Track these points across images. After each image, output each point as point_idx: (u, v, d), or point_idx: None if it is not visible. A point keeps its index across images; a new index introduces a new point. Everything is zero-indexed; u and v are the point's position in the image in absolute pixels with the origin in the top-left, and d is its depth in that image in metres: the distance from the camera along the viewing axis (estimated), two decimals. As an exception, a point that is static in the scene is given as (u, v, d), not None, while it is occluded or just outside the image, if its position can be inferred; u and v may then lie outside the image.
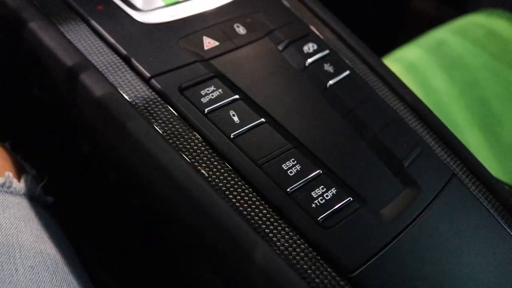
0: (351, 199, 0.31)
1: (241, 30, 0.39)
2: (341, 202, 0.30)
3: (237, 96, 0.33)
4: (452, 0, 0.97)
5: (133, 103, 0.33)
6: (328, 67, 0.38)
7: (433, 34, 0.76)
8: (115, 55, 0.35)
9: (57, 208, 0.39)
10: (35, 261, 0.31)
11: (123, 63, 0.35)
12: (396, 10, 1.05)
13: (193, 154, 0.31)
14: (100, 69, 0.34)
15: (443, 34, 0.76)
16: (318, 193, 0.30)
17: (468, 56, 0.72)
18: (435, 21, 0.99)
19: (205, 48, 0.36)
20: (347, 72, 0.38)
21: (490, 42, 0.74)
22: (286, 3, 0.43)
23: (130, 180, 0.34)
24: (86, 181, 0.40)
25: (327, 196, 0.30)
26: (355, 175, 0.32)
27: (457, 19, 0.80)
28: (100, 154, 0.35)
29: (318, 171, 0.31)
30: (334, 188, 0.31)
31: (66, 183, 0.42)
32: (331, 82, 0.37)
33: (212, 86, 0.34)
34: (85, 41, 0.36)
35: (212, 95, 0.33)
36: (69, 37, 0.36)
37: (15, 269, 0.29)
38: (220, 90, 0.34)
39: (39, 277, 0.30)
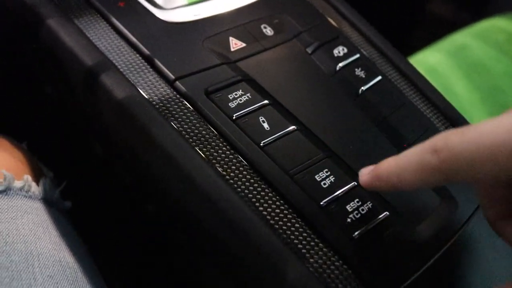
0: (387, 213, 0.29)
1: (268, 31, 0.37)
2: (377, 217, 0.29)
3: (266, 102, 0.32)
4: (470, 5, 0.95)
5: (156, 106, 0.31)
6: (359, 72, 0.36)
7: (454, 38, 0.75)
8: (137, 55, 0.33)
9: (75, 213, 0.37)
10: (54, 270, 0.29)
11: (145, 63, 0.33)
12: (413, 14, 1.03)
13: (221, 162, 0.29)
14: (121, 69, 0.33)
15: (464, 38, 0.74)
16: (353, 207, 0.29)
17: (489, 61, 0.70)
18: (452, 25, 0.97)
19: (232, 49, 0.35)
20: (379, 78, 0.36)
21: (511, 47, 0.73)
22: (314, 4, 0.41)
23: (151, 187, 0.32)
24: (104, 185, 0.38)
25: (362, 210, 0.29)
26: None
27: (478, 23, 0.78)
28: (119, 158, 0.33)
29: (353, 183, 0.29)
30: (369, 202, 0.29)
31: (84, 187, 0.40)
32: (363, 88, 0.35)
33: (240, 90, 0.32)
34: (105, 40, 0.34)
35: (241, 100, 0.31)
36: (88, 35, 0.34)
37: (33, 278, 0.28)
38: (248, 95, 0.32)
39: (58, 287, 0.28)
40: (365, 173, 0.27)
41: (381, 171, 0.26)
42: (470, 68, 0.69)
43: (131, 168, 0.33)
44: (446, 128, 0.36)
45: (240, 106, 0.31)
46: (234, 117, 0.31)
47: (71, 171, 0.40)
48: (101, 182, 0.38)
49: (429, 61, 0.70)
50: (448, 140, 0.23)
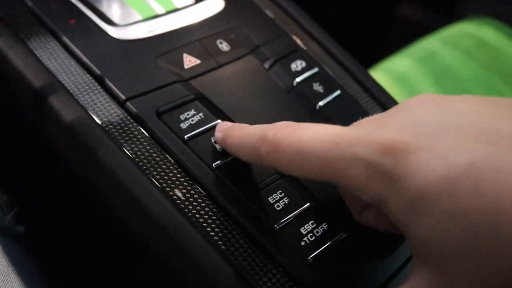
0: (344, 235, 0.28)
1: (224, 46, 0.36)
2: (332, 239, 0.28)
3: (219, 121, 0.31)
4: (438, 7, 0.95)
5: (106, 128, 0.30)
6: (317, 87, 0.35)
7: (423, 44, 0.75)
8: (88, 75, 0.32)
9: (28, 239, 0.36)
10: None
11: (96, 83, 0.32)
12: (383, 17, 1.04)
13: (172, 186, 0.28)
14: (71, 91, 0.32)
15: (433, 44, 0.74)
16: (308, 229, 0.28)
17: (458, 66, 0.71)
18: (422, 28, 0.97)
19: (186, 67, 0.34)
20: (338, 92, 0.36)
21: (481, 52, 0.73)
22: (272, 16, 0.40)
23: (100, 211, 0.31)
24: (58, 209, 0.37)
25: (317, 232, 0.28)
26: (347, 207, 0.30)
27: (446, 28, 0.78)
28: (71, 183, 0.32)
29: (308, 204, 0.29)
30: (325, 223, 0.28)
31: (37, 211, 0.39)
32: (320, 103, 0.34)
33: (193, 110, 0.31)
34: (55, 59, 0.33)
35: (193, 120, 0.31)
36: (38, 55, 0.33)
37: None
38: (201, 114, 0.31)
39: None
40: (221, 129, 0.29)
41: (228, 138, 0.28)
42: (439, 74, 0.69)
43: (80, 192, 0.31)
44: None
45: (192, 127, 0.30)
46: (185, 139, 0.30)
47: (26, 194, 0.39)
48: (58, 206, 0.37)
49: (398, 68, 0.69)
50: (277, 133, 0.24)
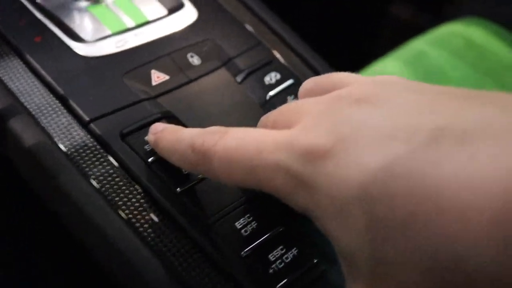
0: (316, 260, 0.27)
1: (195, 60, 0.35)
2: (303, 265, 0.27)
3: (186, 141, 0.30)
4: (429, 6, 0.94)
5: (69, 152, 0.29)
6: (291, 100, 0.34)
7: (412, 45, 0.73)
8: (51, 96, 0.31)
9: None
10: None
11: (59, 104, 0.31)
12: (375, 16, 1.02)
13: (134, 212, 0.27)
14: (33, 112, 0.30)
15: (422, 45, 0.73)
16: (277, 256, 0.27)
17: (448, 68, 0.69)
18: (413, 27, 0.96)
19: (153, 83, 0.33)
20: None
21: (469, 52, 0.72)
22: (248, 26, 0.39)
23: (64, 236, 0.30)
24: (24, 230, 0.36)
25: (287, 258, 0.27)
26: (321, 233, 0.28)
27: (436, 29, 0.77)
28: (33, 209, 0.31)
29: (277, 228, 0.27)
30: (295, 249, 0.27)
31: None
32: (294, 118, 0.33)
33: None
34: (18, 80, 0.32)
35: (158, 141, 0.29)
36: (0, 75, 0.32)
37: None
38: None
39: None
40: (153, 132, 0.27)
41: (160, 142, 0.26)
42: (428, 76, 0.68)
43: (41, 217, 0.30)
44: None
45: None
46: (150, 161, 0.28)
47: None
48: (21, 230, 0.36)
49: (388, 70, 0.68)
50: (205, 141, 0.23)
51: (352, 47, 0.98)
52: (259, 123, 0.26)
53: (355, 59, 0.85)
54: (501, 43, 0.74)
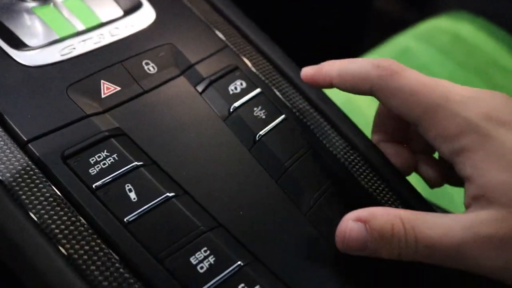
0: None
1: (150, 68, 0.31)
2: None
3: (136, 163, 0.26)
4: (416, 1, 0.91)
5: (3, 178, 0.25)
6: (258, 112, 0.31)
7: (397, 41, 0.70)
8: None
9: None
10: None
11: None
12: (360, 11, 0.99)
13: (76, 247, 0.24)
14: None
15: (407, 40, 0.70)
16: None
17: (433, 64, 0.66)
18: (399, 21, 0.93)
19: (103, 96, 0.29)
20: (282, 117, 0.31)
21: (456, 48, 0.69)
22: (213, 27, 0.36)
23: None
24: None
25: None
26: (290, 264, 0.25)
27: (421, 23, 0.74)
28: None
29: (238, 263, 0.24)
30: (258, 286, 0.24)
31: None
32: (261, 132, 0.30)
33: (105, 151, 0.26)
34: None
35: (104, 164, 0.26)
36: None
37: None
38: (115, 156, 0.26)
39: None
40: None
41: (324, 67, 0.31)
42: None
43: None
44: (363, 172, 0.31)
45: (103, 172, 0.25)
46: (93, 187, 0.25)
47: None
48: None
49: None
50: (392, 64, 0.28)
51: (336, 43, 0.95)
52: None
53: (339, 55, 0.81)
54: (489, 39, 0.71)
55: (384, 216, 0.24)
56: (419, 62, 0.66)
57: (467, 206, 0.25)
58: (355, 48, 0.96)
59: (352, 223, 0.25)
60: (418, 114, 0.27)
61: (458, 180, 0.28)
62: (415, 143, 0.33)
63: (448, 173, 0.32)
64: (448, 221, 0.24)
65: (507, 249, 0.23)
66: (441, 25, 0.72)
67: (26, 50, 0.30)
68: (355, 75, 0.29)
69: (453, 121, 0.25)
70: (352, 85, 0.29)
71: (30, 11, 0.34)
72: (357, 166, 0.31)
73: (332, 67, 0.30)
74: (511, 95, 0.68)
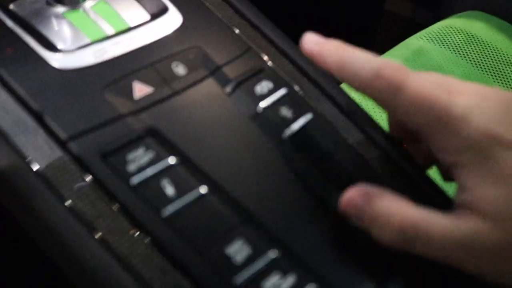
0: (315, 285, 0.25)
1: (180, 70, 0.32)
2: None
3: (171, 160, 0.27)
4: (429, 2, 0.92)
5: (46, 174, 0.26)
6: (285, 112, 0.32)
7: (411, 42, 0.71)
8: (25, 112, 0.29)
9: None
10: None
11: (34, 122, 0.29)
12: (372, 13, 1.00)
13: (119, 241, 0.25)
14: (6, 131, 0.28)
15: (421, 42, 0.70)
16: (273, 283, 0.24)
17: (448, 65, 0.67)
18: (411, 23, 0.94)
19: (136, 97, 0.30)
20: (309, 116, 0.32)
21: (470, 48, 0.69)
22: (238, 31, 0.37)
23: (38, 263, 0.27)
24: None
25: (285, 286, 0.24)
26: (320, 254, 0.26)
27: (434, 24, 0.75)
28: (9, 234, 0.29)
29: (273, 253, 0.25)
30: (293, 274, 0.25)
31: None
32: (288, 131, 0.31)
33: (142, 148, 0.28)
34: (-12, 95, 0.29)
35: (142, 161, 0.27)
36: (-30, 91, 0.29)
37: None
38: (151, 153, 0.27)
39: None
40: (313, 41, 0.30)
41: (330, 57, 0.29)
42: (428, 74, 0.65)
43: (17, 241, 0.28)
44: (388, 170, 0.32)
45: (140, 169, 0.27)
46: (132, 183, 0.26)
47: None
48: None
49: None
50: (393, 75, 0.27)
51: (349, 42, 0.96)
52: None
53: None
54: (503, 37, 0.72)
55: (390, 201, 0.26)
56: (434, 63, 0.67)
57: (456, 207, 0.27)
58: (368, 49, 0.97)
59: (358, 195, 0.27)
60: (419, 128, 0.27)
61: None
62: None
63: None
64: (449, 225, 0.25)
65: (489, 257, 0.25)
66: (455, 25, 0.73)
67: (61, 54, 0.32)
68: (355, 80, 0.28)
69: (453, 139, 0.26)
70: (351, 86, 0.29)
71: (60, 16, 0.36)
72: (380, 164, 0.32)
73: (331, 58, 0.29)
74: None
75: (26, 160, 0.27)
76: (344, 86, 0.36)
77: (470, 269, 0.25)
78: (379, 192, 0.27)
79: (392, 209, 0.26)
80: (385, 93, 0.27)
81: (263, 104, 0.32)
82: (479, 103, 0.26)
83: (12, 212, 0.28)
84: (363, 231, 0.27)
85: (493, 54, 0.69)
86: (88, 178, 0.27)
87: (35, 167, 0.26)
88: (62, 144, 0.28)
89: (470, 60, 0.68)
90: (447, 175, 0.32)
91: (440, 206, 0.27)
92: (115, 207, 0.26)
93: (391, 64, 0.27)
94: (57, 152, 0.27)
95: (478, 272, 0.25)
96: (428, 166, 0.34)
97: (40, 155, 0.27)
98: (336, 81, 0.36)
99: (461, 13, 0.76)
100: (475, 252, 0.25)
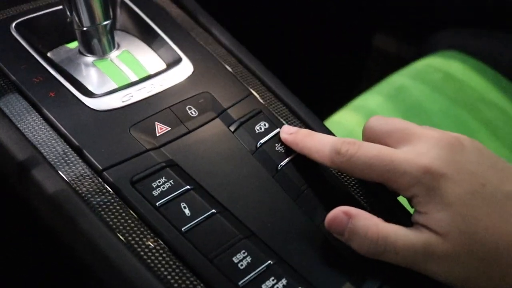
0: (303, 287, 0.31)
1: (193, 112, 0.39)
2: None
3: (188, 187, 0.34)
4: (413, 39, 1.00)
5: (85, 198, 0.33)
6: (279, 147, 0.39)
7: (393, 79, 0.78)
8: (67, 146, 0.35)
9: None
10: None
11: (75, 154, 0.35)
12: (361, 49, 1.08)
13: (145, 250, 0.31)
14: (52, 162, 0.34)
15: (402, 79, 0.78)
16: (269, 285, 0.31)
17: (426, 101, 0.74)
18: (397, 58, 1.01)
19: (157, 134, 0.37)
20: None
21: (447, 85, 0.76)
22: (240, 78, 0.44)
23: (84, 277, 0.34)
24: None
25: (279, 287, 0.31)
26: (307, 263, 0.33)
27: (415, 62, 0.82)
28: (55, 252, 0.35)
29: (269, 262, 0.32)
30: (284, 279, 0.31)
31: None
32: (282, 163, 0.38)
33: (163, 177, 0.34)
34: (37, 132, 0.36)
35: (164, 187, 0.34)
36: (20, 128, 0.36)
37: None
38: (171, 181, 0.34)
39: None
40: (288, 132, 0.39)
41: (301, 142, 0.38)
42: (408, 110, 0.72)
43: (68, 261, 0.34)
44: (364, 197, 0.39)
45: (163, 194, 0.33)
46: (157, 205, 0.33)
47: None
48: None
49: (370, 105, 0.73)
50: (349, 149, 0.35)
51: (338, 80, 1.04)
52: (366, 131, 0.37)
53: (341, 92, 0.90)
54: (478, 77, 0.79)
55: (366, 219, 0.33)
56: (413, 99, 0.74)
57: (415, 225, 0.33)
58: (357, 84, 1.04)
59: (341, 214, 0.33)
60: (375, 180, 0.34)
61: None
62: None
63: None
64: (412, 238, 0.32)
65: (444, 263, 0.32)
66: (433, 63, 0.80)
67: (95, 97, 0.39)
68: (320, 156, 0.36)
69: (402, 179, 0.33)
70: (318, 162, 0.37)
71: (91, 64, 0.43)
72: (358, 190, 0.39)
73: (302, 143, 0.37)
74: (499, 127, 0.76)
75: (71, 187, 0.33)
76: (327, 123, 0.43)
77: (433, 272, 0.32)
78: (358, 212, 0.34)
79: (368, 226, 0.33)
80: (344, 163, 0.35)
81: (261, 140, 0.38)
82: (418, 147, 0.34)
83: (60, 233, 0.34)
84: (344, 243, 0.33)
85: (467, 91, 0.77)
86: (121, 202, 0.33)
87: (78, 192, 0.33)
88: (98, 173, 0.34)
89: (447, 97, 0.75)
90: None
91: (404, 222, 0.34)
92: (143, 224, 0.32)
93: (346, 140, 0.35)
94: (95, 180, 0.34)
95: (443, 278, 0.32)
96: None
97: (81, 182, 0.34)
98: (321, 121, 0.43)
99: (440, 52, 0.83)
100: (432, 258, 0.32)
